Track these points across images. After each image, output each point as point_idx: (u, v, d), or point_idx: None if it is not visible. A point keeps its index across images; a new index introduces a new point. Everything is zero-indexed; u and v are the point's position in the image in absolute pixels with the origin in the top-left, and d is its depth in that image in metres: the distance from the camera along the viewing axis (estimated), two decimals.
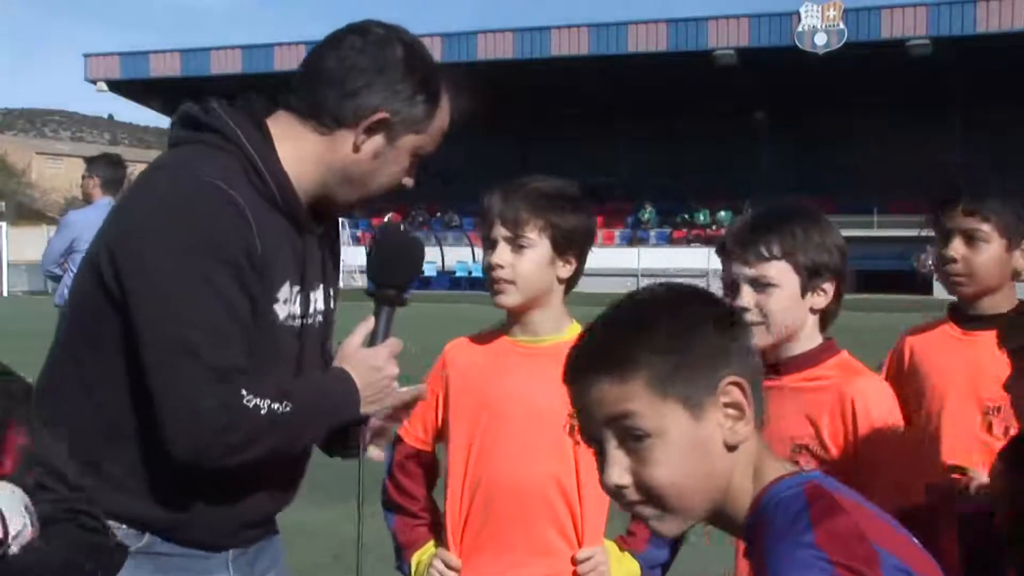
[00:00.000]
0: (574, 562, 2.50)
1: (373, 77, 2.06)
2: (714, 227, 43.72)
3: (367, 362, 2.11)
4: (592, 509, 2.50)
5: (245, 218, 1.94)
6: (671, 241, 44.01)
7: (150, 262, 1.89)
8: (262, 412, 1.91)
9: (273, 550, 2.28)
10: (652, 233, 44.69)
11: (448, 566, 2.52)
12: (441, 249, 41.41)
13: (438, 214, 46.39)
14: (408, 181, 2.18)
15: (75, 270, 7.33)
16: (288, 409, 1.95)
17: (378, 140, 2.09)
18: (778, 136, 46.01)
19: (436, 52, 46.05)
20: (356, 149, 2.08)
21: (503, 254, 2.45)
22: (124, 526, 2.01)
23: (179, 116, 2.13)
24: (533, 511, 2.47)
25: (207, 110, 2.10)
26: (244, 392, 1.90)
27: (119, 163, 7.81)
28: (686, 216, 44.76)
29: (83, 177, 7.71)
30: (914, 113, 44.04)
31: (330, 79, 2.08)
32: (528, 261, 2.45)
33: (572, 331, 2.53)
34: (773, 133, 45.89)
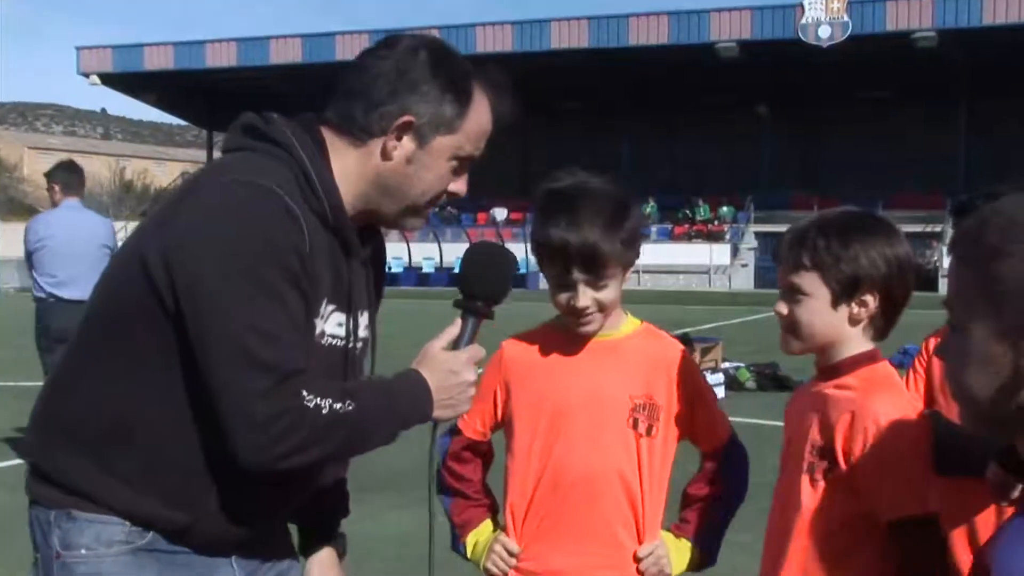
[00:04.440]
0: (635, 558, 2.57)
1: (396, 83, 2.06)
2: (716, 223, 43.77)
3: (445, 365, 2.11)
4: (652, 503, 2.57)
5: (297, 222, 1.95)
6: (672, 237, 44.05)
7: (206, 268, 1.89)
8: (323, 412, 1.91)
9: (285, 565, 2.29)
10: (653, 229, 44.73)
11: (508, 551, 2.58)
12: (439, 245, 41.44)
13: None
14: (457, 187, 2.17)
15: (44, 268, 8.01)
16: (351, 408, 1.94)
17: (408, 145, 2.08)
18: (781, 130, 46.04)
19: None
20: (387, 156, 2.08)
21: (586, 296, 2.48)
22: (128, 523, 2.01)
23: (239, 125, 2.13)
24: (598, 502, 2.53)
25: (267, 120, 2.11)
26: (304, 392, 1.90)
27: (74, 167, 8.47)
28: (687, 212, 44.79)
29: (47, 189, 8.39)
30: (919, 106, 44.07)
31: (357, 92, 2.09)
32: (611, 291, 2.51)
33: (628, 326, 2.62)
34: (776, 127, 45.92)
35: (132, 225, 53.15)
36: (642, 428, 2.54)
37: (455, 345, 2.15)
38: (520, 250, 34.65)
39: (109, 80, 50.09)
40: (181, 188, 2.08)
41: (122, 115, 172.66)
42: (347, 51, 44.50)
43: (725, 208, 44.14)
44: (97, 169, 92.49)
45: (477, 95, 2.13)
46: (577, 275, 2.46)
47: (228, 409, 1.89)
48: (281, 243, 1.92)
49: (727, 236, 43.11)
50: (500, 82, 2.20)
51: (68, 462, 2.04)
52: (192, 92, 51.03)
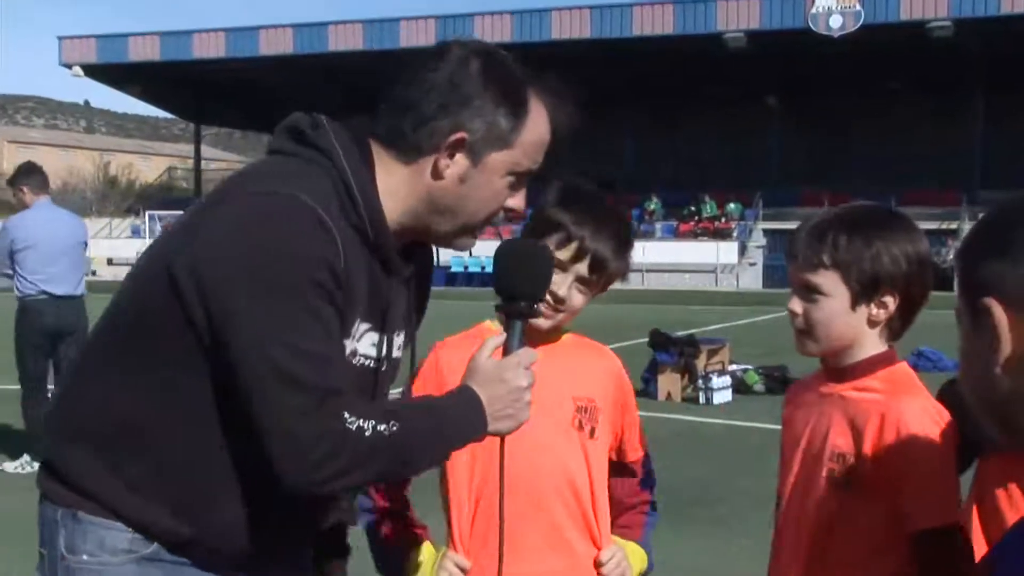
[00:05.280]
0: (596, 564, 2.58)
1: (447, 97, 2.02)
2: (723, 220, 43.79)
3: (494, 374, 2.10)
4: (602, 507, 2.59)
5: (331, 234, 1.93)
6: (677, 235, 44.05)
7: (237, 287, 1.89)
8: (366, 434, 1.91)
9: None
10: (658, 226, 44.72)
11: (460, 567, 2.56)
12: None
13: None
14: (514, 203, 2.13)
15: (32, 266, 8.35)
16: (396, 429, 1.94)
17: (461, 162, 2.04)
18: (790, 124, 46.05)
19: (431, 35, 45.48)
20: (438, 175, 2.04)
21: (570, 288, 2.54)
22: (131, 531, 2.03)
23: (286, 125, 2.11)
24: (548, 506, 2.53)
25: (315, 124, 2.08)
26: (346, 415, 1.90)
27: (35, 167, 8.94)
28: (693, 208, 44.79)
29: (14, 194, 8.82)
30: (934, 99, 44.07)
31: (406, 106, 2.04)
32: (584, 300, 2.58)
33: (562, 334, 2.63)
34: (785, 121, 45.92)
35: (116, 222, 53.27)
36: (587, 430, 2.58)
37: (505, 352, 2.13)
38: None
39: (92, 71, 50.07)
40: (213, 193, 2.07)
41: (106, 108, 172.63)
42: (340, 42, 44.49)
43: (732, 205, 44.13)
44: (80, 164, 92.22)
45: (533, 105, 2.09)
46: (577, 269, 2.50)
47: (269, 431, 1.89)
48: (313, 257, 1.90)
49: (734, 234, 43.12)
50: (558, 89, 2.16)
51: (78, 460, 2.06)
52: (179, 84, 51.00)
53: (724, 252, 41.88)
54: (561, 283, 2.49)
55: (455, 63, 2.04)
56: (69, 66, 49.52)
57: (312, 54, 44.47)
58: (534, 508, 2.52)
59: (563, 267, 2.49)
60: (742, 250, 42.32)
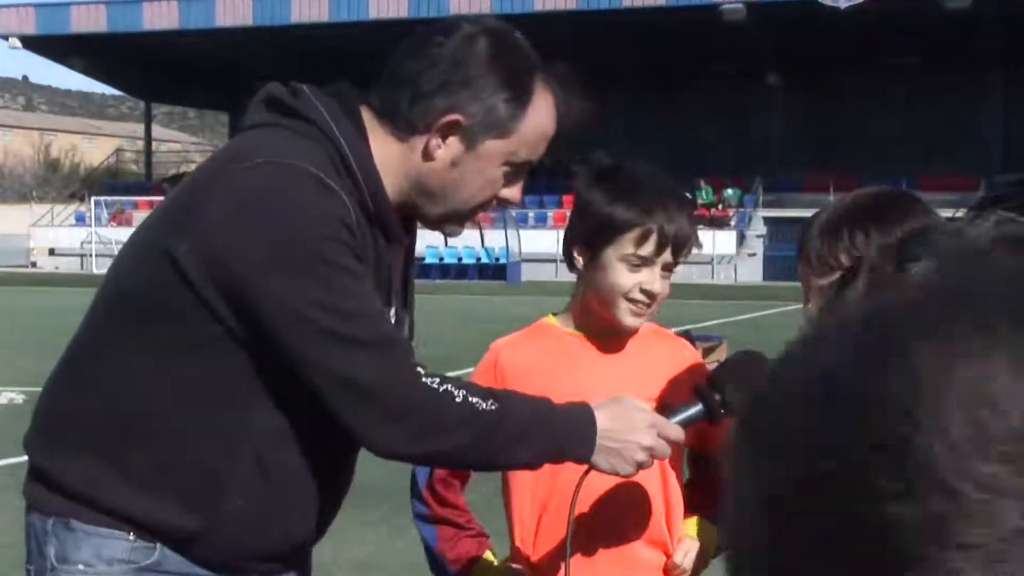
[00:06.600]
0: (666, 570, 2.62)
1: (448, 75, 2.07)
2: (720, 207, 43.86)
3: (630, 414, 2.17)
4: (678, 513, 2.65)
5: (336, 195, 2.00)
6: None
7: (265, 265, 1.95)
8: (455, 400, 1.99)
9: None
10: None
11: None
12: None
13: None
14: (509, 193, 2.19)
15: None
16: (493, 409, 2.02)
17: (455, 146, 2.10)
18: (793, 103, 46.14)
19: (402, 8, 45.36)
20: (429, 156, 2.10)
21: (662, 282, 2.57)
22: (132, 535, 2.06)
23: (262, 98, 2.15)
24: (620, 525, 2.57)
25: (295, 92, 2.12)
26: (421, 370, 2.01)
27: None
28: (687, 194, 44.78)
29: None
30: (949, 75, 44.21)
31: (404, 79, 2.10)
32: (669, 284, 2.61)
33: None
34: (787, 100, 46.02)
35: (59, 209, 52.99)
36: None
37: (665, 411, 2.25)
38: (499, 237, 34.05)
39: (31, 43, 49.76)
40: (200, 175, 2.13)
41: (47, 84, 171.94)
42: (303, 13, 44.35)
43: (730, 190, 44.22)
44: (18, 145, 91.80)
45: (539, 94, 2.13)
46: (663, 259, 2.54)
47: (340, 398, 1.98)
48: (326, 217, 1.98)
49: (732, 222, 43.21)
50: (569, 79, 2.20)
51: (73, 462, 2.09)
52: (127, 58, 50.75)
53: (721, 242, 41.90)
54: (653, 278, 2.53)
55: (461, 40, 2.09)
56: (6, 37, 49.21)
57: (273, 26, 44.27)
58: (604, 524, 2.56)
59: (650, 262, 2.52)
60: (740, 240, 42.42)
